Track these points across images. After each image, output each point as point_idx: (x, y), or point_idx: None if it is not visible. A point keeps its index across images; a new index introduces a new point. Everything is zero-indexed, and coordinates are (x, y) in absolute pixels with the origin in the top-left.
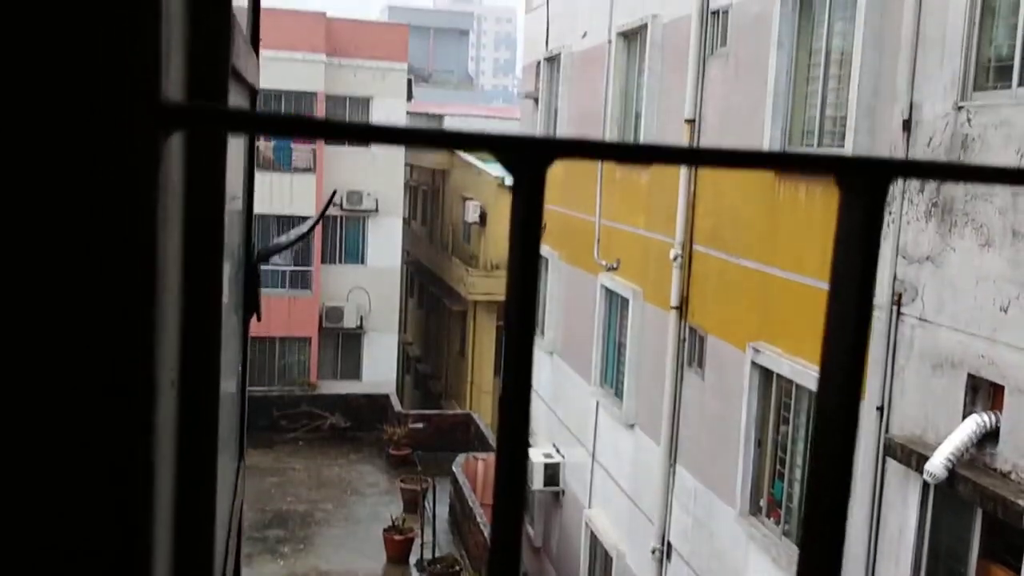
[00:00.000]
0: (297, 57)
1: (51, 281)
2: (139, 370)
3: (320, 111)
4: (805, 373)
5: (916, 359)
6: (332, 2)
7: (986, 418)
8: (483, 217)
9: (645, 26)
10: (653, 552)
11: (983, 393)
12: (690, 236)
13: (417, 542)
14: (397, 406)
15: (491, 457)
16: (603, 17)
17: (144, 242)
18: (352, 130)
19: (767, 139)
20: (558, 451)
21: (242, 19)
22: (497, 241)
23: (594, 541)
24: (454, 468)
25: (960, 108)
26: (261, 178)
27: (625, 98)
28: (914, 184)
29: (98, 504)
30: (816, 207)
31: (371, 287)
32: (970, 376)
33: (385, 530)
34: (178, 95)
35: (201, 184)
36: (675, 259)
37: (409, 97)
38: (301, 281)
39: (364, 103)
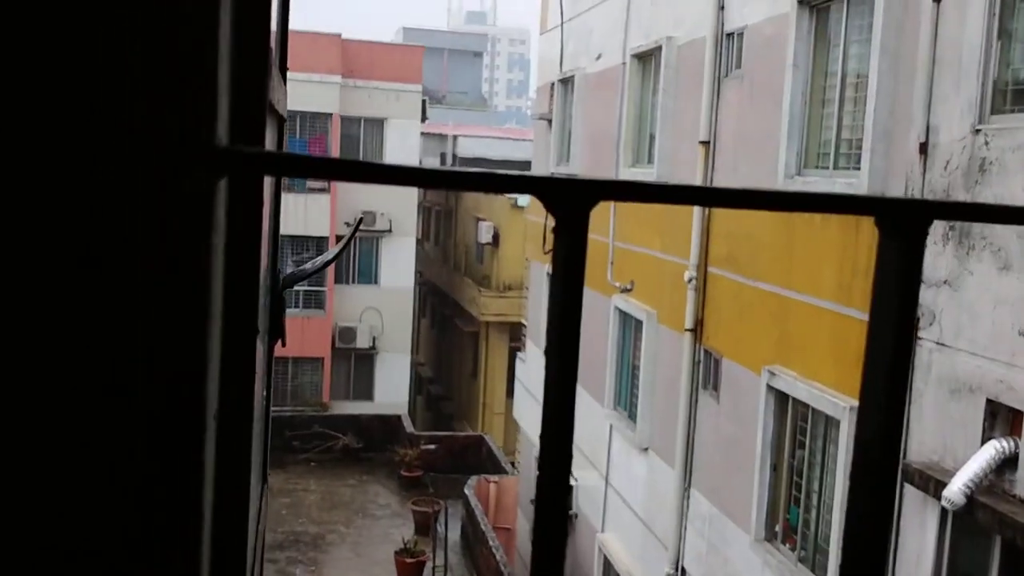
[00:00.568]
0: (314, 79)
1: (109, 317)
2: (191, 407)
3: (335, 132)
4: (822, 397)
5: (934, 384)
6: (347, 24)
7: (1005, 444)
8: (496, 238)
9: (660, 48)
10: None
11: (1002, 419)
12: (705, 258)
13: (429, 565)
14: (409, 427)
15: (503, 479)
16: (618, 39)
17: (199, 286)
18: (402, 174)
19: (782, 162)
20: (571, 474)
21: (273, 48)
22: (510, 262)
23: (607, 566)
24: (466, 490)
25: (978, 131)
26: None
27: (639, 120)
28: None
29: (156, 548)
30: (832, 229)
31: (384, 308)
32: (988, 401)
33: (397, 552)
34: (224, 136)
35: (239, 216)
36: (690, 281)
37: (423, 118)
38: (314, 301)
39: (379, 124)
